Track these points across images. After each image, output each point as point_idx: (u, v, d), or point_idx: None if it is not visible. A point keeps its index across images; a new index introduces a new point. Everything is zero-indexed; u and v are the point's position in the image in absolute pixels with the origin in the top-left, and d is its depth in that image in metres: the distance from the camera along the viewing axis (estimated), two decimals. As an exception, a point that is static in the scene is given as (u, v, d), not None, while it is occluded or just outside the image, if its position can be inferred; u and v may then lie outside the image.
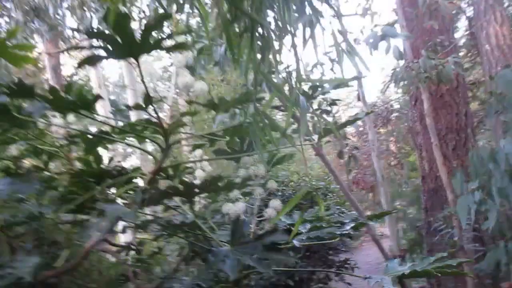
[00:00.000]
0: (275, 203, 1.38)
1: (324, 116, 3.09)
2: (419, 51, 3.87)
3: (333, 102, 3.07)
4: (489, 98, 3.51)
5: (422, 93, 3.38)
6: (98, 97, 1.17)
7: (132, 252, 2.19)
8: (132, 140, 1.41)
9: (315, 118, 2.97)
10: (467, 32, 7.52)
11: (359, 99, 3.60)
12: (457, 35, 7.10)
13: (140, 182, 1.32)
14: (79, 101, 1.14)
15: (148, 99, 1.15)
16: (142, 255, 2.21)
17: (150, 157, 1.31)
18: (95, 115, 1.24)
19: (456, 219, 3.25)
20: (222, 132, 1.45)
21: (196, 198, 1.57)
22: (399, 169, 12.28)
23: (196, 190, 0.99)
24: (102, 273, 1.72)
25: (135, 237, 2.54)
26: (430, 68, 2.81)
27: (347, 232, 1.36)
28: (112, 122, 1.45)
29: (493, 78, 3.08)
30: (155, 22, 0.96)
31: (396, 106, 11.61)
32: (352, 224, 1.34)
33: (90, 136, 1.40)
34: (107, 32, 0.94)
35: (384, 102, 11.02)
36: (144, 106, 1.18)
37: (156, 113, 1.23)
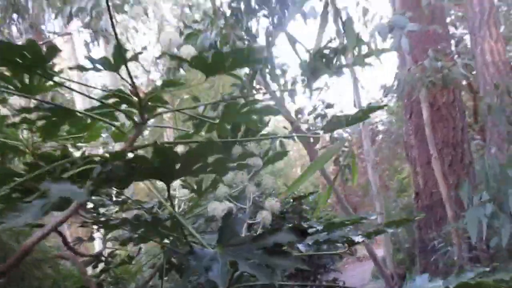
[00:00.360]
0: (271, 202, 1.14)
1: (319, 119, 2.89)
2: (418, 60, 3.72)
3: (329, 105, 2.87)
4: (487, 111, 3.37)
5: (421, 102, 3.19)
6: (53, 49, 0.90)
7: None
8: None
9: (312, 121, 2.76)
10: (455, 56, 7.51)
11: (355, 106, 3.42)
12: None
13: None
14: (29, 51, 0.87)
15: (119, 52, 0.88)
16: (112, 265, 1.92)
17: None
18: (54, 77, 0.98)
19: (457, 237, 3.02)
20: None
21: (175, 202, 1.31)
22: (384, 191, 12.16)
23: (177, 167, 0.73)
24: (57, 284, 1.42)
25: (105, 247, 2.23)
26: (435, 71, 2.64)
27: (361, 239, 1.12)
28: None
29: (498, 86, 2.92)
30: None
31: (381, 127, 11.56)
32: (369, 230, 1.10)
33: (50, 115, 1.14)
34: None
35: (369, 123, 10.91)
36: (113, 63, 0.91)
37: (131, 77, 0.96)
